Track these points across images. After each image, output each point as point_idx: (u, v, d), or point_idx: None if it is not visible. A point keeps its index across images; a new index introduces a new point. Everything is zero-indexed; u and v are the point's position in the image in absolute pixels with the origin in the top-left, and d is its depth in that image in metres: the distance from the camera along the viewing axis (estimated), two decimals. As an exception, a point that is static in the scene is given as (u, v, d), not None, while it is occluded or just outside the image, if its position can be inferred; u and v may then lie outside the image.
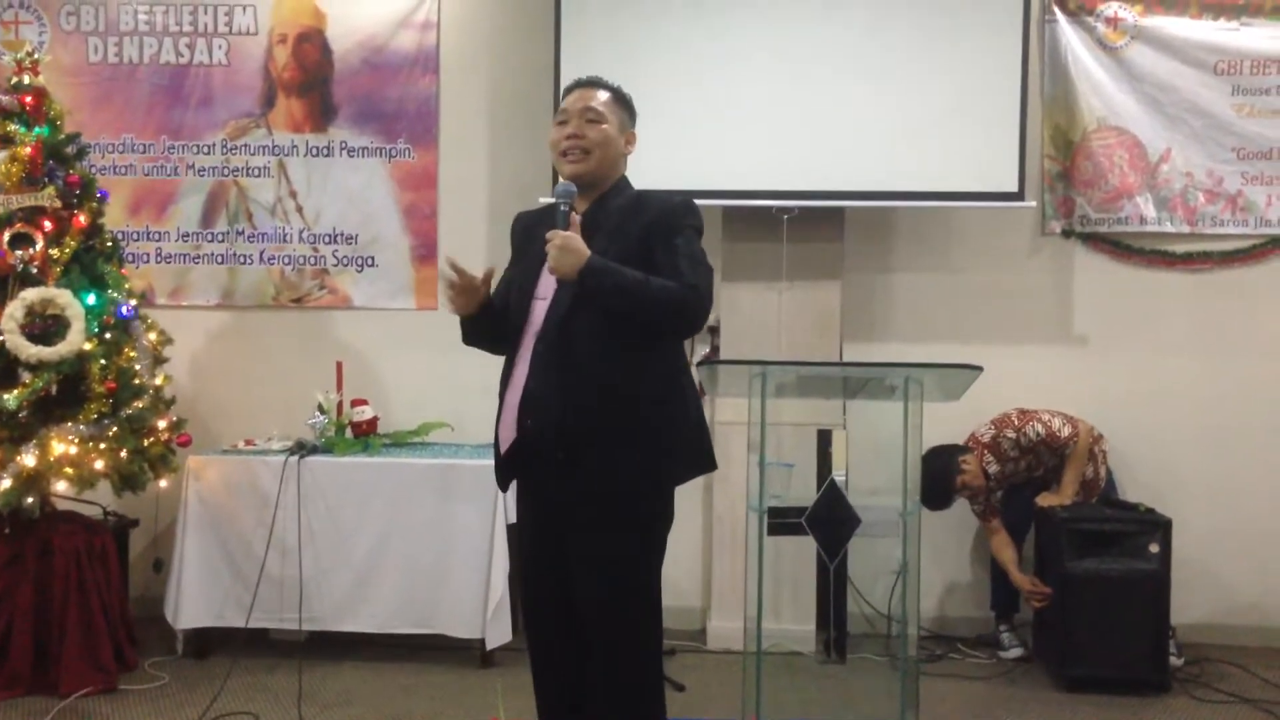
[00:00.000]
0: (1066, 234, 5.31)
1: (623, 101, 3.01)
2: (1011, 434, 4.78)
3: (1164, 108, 5.21)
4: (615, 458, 2.79)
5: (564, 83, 4.82)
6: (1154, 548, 4.49)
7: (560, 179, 2.95)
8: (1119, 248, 5.29)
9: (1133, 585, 4.47)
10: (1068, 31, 5.24)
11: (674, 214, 2.89)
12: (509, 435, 2.87)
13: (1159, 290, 5.29)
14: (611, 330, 2.78)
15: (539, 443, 2.82)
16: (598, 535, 2.83)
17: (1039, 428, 4.75)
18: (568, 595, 2.90)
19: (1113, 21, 5.22)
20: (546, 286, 2.86)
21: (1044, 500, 4.79)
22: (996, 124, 4.89)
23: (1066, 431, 4.74)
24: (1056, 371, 5.18)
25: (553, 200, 2.90)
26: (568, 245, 2.73)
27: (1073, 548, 4.53)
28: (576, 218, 2.82)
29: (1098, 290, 5.31)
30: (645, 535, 2.91)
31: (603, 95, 2.96)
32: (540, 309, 2.86)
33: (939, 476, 4.70)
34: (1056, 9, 5.24)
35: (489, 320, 2.97)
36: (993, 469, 4.80)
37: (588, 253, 2.73)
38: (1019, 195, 4.93)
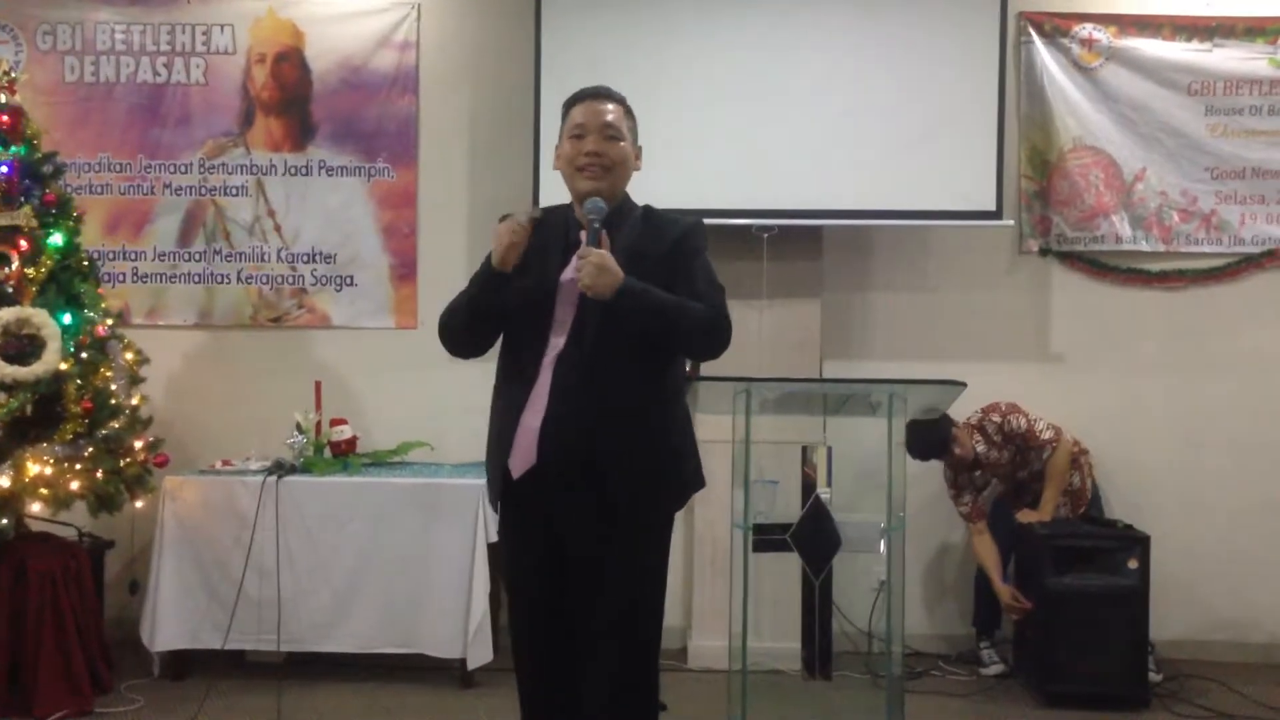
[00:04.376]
0: (1044, 252, 5.35)
1: (631, 113, 2.93)
2: (996, 418, 4.82)
3: (1138, 128, 5.27)
4: (637, 480, 2.75)
5: (543, 103, 4.91)
6: (1133, 564, 4.52)
7: (575, 197, 2.85)
8: (1095, 266, 5.34)
9: (1112, 601, 4.49)
10: (1043, 53, 5.29)
11: (691, 235, 2.86)
12: (527, 460, 2.76)
13: (1135, 308, 5.34)
14: (632, 353, 2.72)
15: (563, 467, 2.73)
16: (617, 557, 2.77)
17: (1022, 421, 4.80)
18: (567, 619, 2.84)
19: (1087, 43, 5.28)
20: (565, 308, 2.76)
21: (1024, 517, 4.81)
22: (974, 144, 4.94)
23: (1047, 435, 4.78)
24: (1034, 389, 5.20)
25: (542, 207, 2.87)
26: (604, 264, 2.64)
27: (1052, 564, 4.55)
28: (606, 236, 2.73)
29: (1074, 308, 5.35)
30: (661, 556, 2.90)
31: (616, 109, 2.87)
32: (559, 330, 2.76)
33: (937, 428, 4.69)
34: (1032, 30, 5.29)
35: (502, 302, 2.80)
36: (980, 448, 4.83)
37: (622, 273, 2.66)
38: (997, 214, 4.98)
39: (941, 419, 4.71)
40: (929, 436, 4.66)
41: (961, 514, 4.96)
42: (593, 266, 2.65)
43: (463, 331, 2.87)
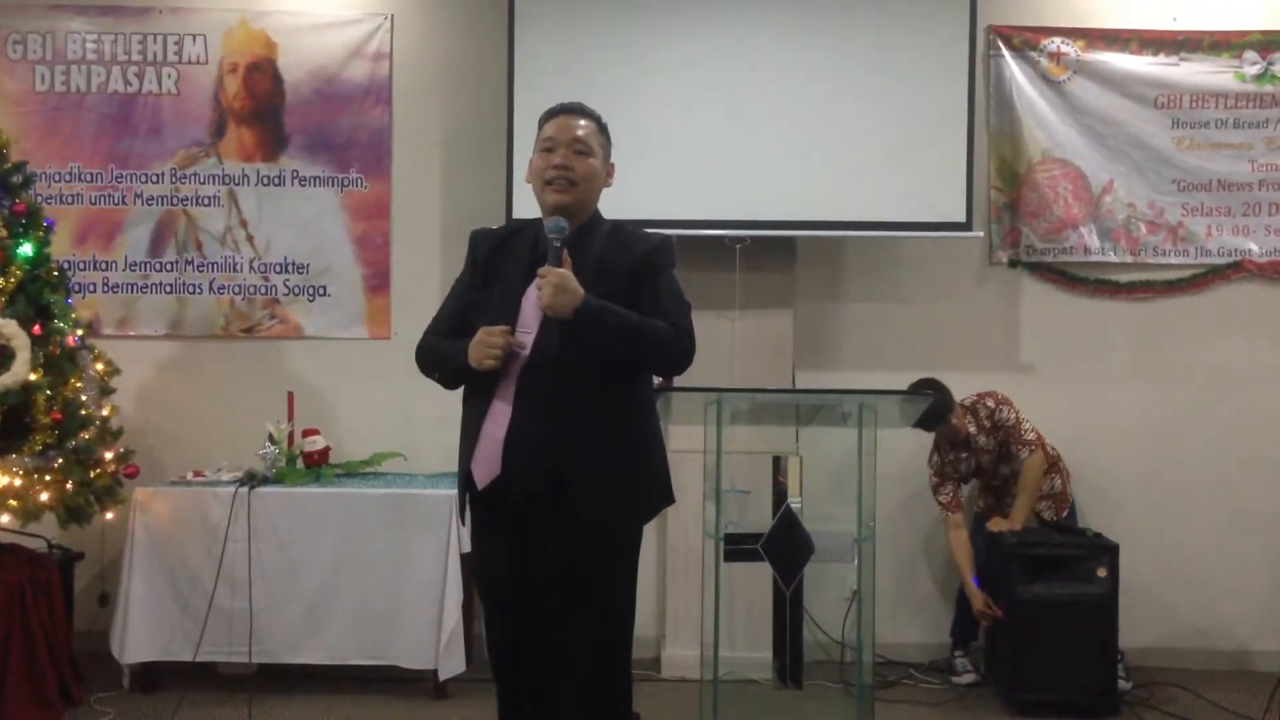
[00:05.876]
0: (1013, 264, 5.40)
1: (605, 131, 2.97)
2: (990, 403, 4.86)
3: (1106, 140, 5.33)
4: (601, 493, 2.76)
5: (516, 114, 4.92)
6: (1102, 572, 4.56)
7: (544, 211, 2.89)
8: (1064, 277, 5.38)
9: (1081, 609, 4.53)
10: (1012, 66, 5.34)
11: (656, 253, 2.88)
12: (490, 471, 2.78)
13: (1103, 319, 5.39)
14: (597, 367, 2.74)
15: (526, 480, 2.75)
16: (585, 570, 2.77)
17: (1011, 414, 4.83)
18: (540, 629, 2.84)
19: (1056, 56, 5.33)
20: (530, 319, 2.79)
21: (994, 526, 4.83)
22: (944, 156, 4.98)
23: (1030, 436, 4.82)
24: (1004, 399, 5.26)
25: (514, 220, 2.88)
26: (564, 284, 2.68)
27: (1022, 572, 4.58)
28: (567, 255, 2.76)
29: (1044, 319, 5.40)
30: (629, 569, 2.90)
31: (588, 124, 2.91)
32: (524, 343, 2.77)
33: (938, 397, 4.70)
34: (1001, 44, 5.35)
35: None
36: (971, 428, 4.86)
37: (582, 292, 2.69)
38: (967, 225, 5.01)
39: (943, 390, 4.73)
40: (934, 402, 4.65)
41: (940, 503, 4.94)
42: (551, 286, 2.69)
43: (434, 377, 2.97)
